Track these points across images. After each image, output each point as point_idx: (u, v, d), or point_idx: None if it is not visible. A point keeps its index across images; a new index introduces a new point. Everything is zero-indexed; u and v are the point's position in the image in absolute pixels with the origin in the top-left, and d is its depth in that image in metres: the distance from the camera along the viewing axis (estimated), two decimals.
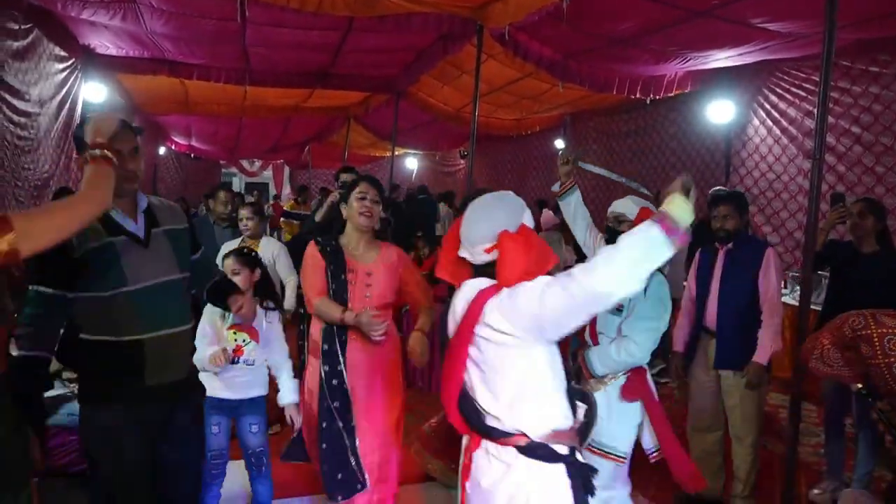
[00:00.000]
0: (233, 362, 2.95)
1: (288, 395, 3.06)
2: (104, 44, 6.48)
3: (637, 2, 4.40)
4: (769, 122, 6.67)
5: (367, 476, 2.82)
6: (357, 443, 2.82)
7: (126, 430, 2.15)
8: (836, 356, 1.96)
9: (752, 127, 6.93)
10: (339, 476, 2.80)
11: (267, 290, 3.18)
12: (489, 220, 1.85)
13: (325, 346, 2.86)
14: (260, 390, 3.07)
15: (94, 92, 7.07)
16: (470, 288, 1.89)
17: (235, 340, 2.98)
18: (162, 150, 13.55)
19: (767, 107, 6.68)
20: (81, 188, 1.83)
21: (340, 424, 2.81)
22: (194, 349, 2.43)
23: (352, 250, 2.92)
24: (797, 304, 3.51)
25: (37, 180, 5.62)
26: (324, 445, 2.80)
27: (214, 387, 2.89)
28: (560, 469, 1.79)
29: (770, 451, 4.27)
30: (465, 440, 1.96)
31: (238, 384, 2.98)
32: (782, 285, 3.57)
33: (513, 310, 1.74)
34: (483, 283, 1.88)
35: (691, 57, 5.64)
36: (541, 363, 1.80)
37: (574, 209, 3.10)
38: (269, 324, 3.09)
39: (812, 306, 3.29)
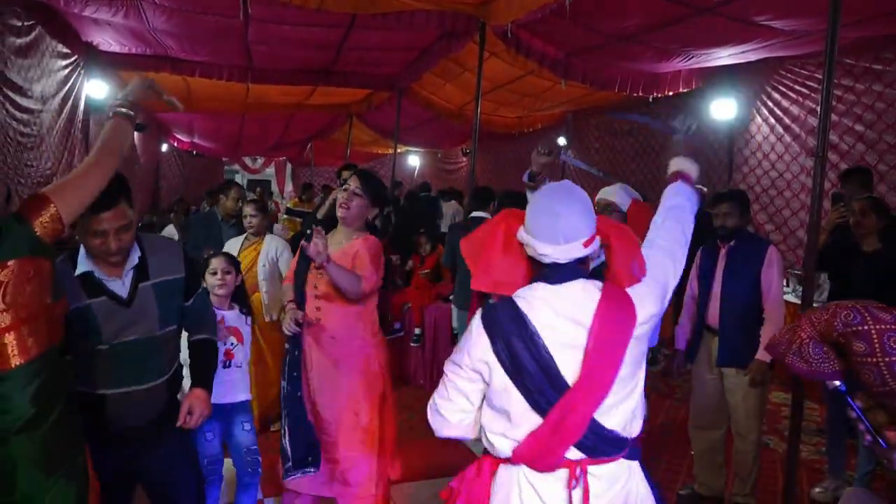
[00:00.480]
0: (225, 366, 2.98)
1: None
2: (107, 41, 6.49)
3: None
4: (772, 120, 6.65)
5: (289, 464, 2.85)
6: (287, 431, 2.86)
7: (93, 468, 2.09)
8: (816, 351, 1.77)
9: (754, 125, 6.91)
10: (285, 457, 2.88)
11: (243, 297, 3.25)
12: (584, 212, 1.67)
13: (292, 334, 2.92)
14: (247, 394, 3.09)
15: (97, 89, 7.07)
16: (579, 294, 1.64)
17: (225, 344, 3.00)
18: (164, 148, 13.55)
19: (770, 104, 6.65)
20: (98, 144, 1.91)
21: (286, 410, 2.88)
22: (171, 397, 2.30)
23: (330, 238, 2.94)
24: (799, 301, 3.51)
25: (39, 177, 5.63)
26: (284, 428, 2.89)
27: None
28: (637, 465, 1.77)
29: (772, 449, 4.27)
30: (548, 478, 1.67)
31: (230, 388, 3.00)
32: (784, 283, 3.57)
33: (654, 284, 1.70)
34: (591, 284, 1.66)
35: (694, 54, 5.63)
36: None
37: None
38: (248, 326, 3.16)
39: (814, 304, 3.28)
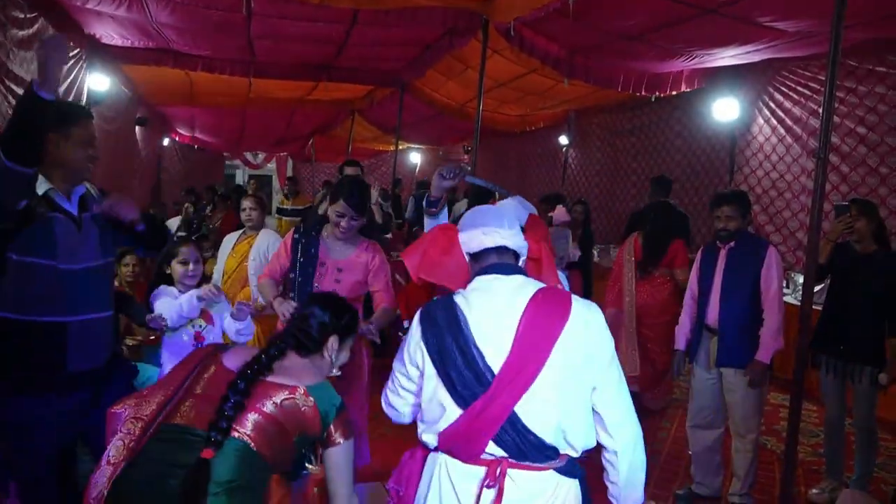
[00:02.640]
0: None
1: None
2: (109, 34, 6.47)
3: None
4: (774, 121, 6.65)
5: None
6: None
7: (40, 425, 2.18)
8: None
9: (756, 125, 6.91)
10: None
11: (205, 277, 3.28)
12: (508, 214, 1.90)
13: None
14: None
15: (99, 82, 7.06)
16: (514, 289, 1.72)
17: (194, 327, 2.98)
18: (165, 142, 13.54)
19: (772, 105, 6.65)
20: None
21: None
22: (116, 336, 2.57)
23: (329, 244, 2.96)
24: (798, 303, 3.51)
25: None
26: None
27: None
28: (574, 484, 1.74)
29: (769, 450, 4.28)
30: (466, 471, 1.69)
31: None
32: (784, 284, 3.57)
33: (590, 340, 1.69)
34: (531, 283, 1.73)
35: (697, 54, 5.62)
36: None
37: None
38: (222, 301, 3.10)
39: (814, 306, 3.29)
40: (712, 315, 3.46)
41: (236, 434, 1.71)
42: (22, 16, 4.97)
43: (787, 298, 5.11)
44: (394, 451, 3.99)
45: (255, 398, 1.76)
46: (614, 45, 5.45)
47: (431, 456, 1.79)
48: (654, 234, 5.00)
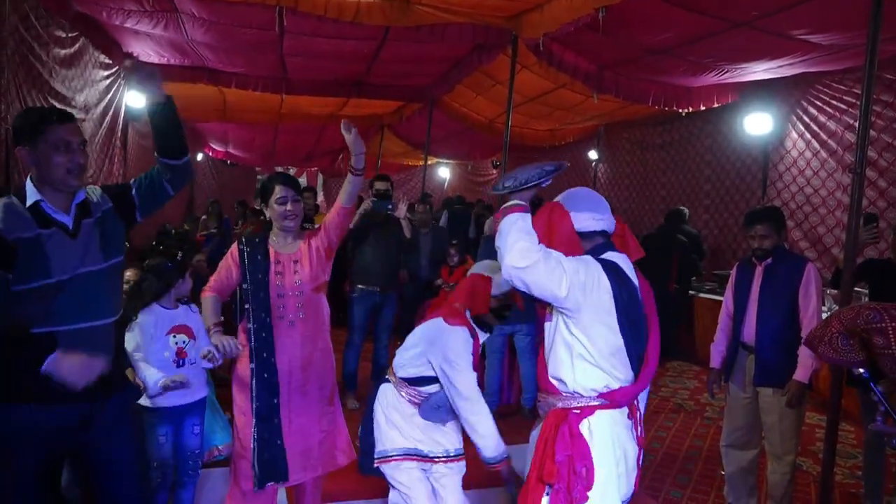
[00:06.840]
0: (179, 366, 2.96)
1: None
2: (147, 52, 6.64)
3: (675, 12, 4.37)
4: (808, 136, 6.55)
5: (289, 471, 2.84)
6: (284, 438, 2.83)
7: (25, 435, 2.07)
8: (844, 343, 2.12)
9: (790, 140, 6.81)
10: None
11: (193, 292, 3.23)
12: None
13: (255, 343, 2.82)
14: (203, 391, 3.05)
15: (136, 99, 7.23)
16: (627, 261, 2.17)
17: (176, 344, 2.97)
18: (199, 157, 13.78)
19: (806, 119, 6.56)
20: None
21: (274, 419, 2.83)
22: (118, 351, 2.33)
23: (278, 246, 2.94)
24: None
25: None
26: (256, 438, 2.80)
27: (164, 396, 2.87)
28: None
29: (805, 471, 4.18)
30: (622, 415, 2.11)
31: (187, 388, 2.94)
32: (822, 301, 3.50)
33: None
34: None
35: (729, 68, 5.58)
36: None
37: None
38: (195, 313, 3.08)
39: None
40: (749, 333, 3.39)
41: None
42: (64, 35, 5.13)
43: (825, 315, 5.00)
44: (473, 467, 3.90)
45: None
46: (644, 59, 5.44)
47: (586, 421, 2.05)
48: None
